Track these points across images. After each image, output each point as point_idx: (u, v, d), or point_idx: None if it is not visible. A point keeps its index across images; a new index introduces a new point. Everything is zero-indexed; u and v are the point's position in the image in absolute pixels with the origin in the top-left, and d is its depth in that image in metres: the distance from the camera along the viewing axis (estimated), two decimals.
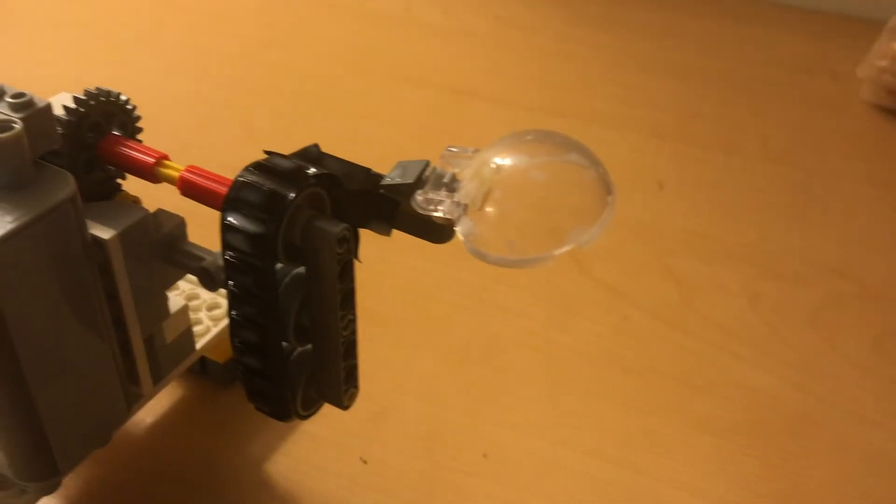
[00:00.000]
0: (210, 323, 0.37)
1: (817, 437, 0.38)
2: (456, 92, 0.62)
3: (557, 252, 0.23)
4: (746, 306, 0.44)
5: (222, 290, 0.37)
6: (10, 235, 0.23)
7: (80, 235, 0.26)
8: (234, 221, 0.25)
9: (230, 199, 0.25)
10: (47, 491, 0.30)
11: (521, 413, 0.38)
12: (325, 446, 0.36)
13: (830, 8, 0.74)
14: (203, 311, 0.37)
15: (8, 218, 0.23)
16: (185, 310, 0.33)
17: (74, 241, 0.26)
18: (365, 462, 0.36)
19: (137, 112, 0.30)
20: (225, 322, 0.37)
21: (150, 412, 0.37)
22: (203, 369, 0.38)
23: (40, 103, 0.25)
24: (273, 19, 0.71)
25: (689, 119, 0.59)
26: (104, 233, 0.27)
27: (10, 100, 0.25)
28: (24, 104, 0.25)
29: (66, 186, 0.25)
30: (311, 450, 0.36)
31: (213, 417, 0.37)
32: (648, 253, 0.47)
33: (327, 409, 0.31)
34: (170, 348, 0.33)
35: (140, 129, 0.30)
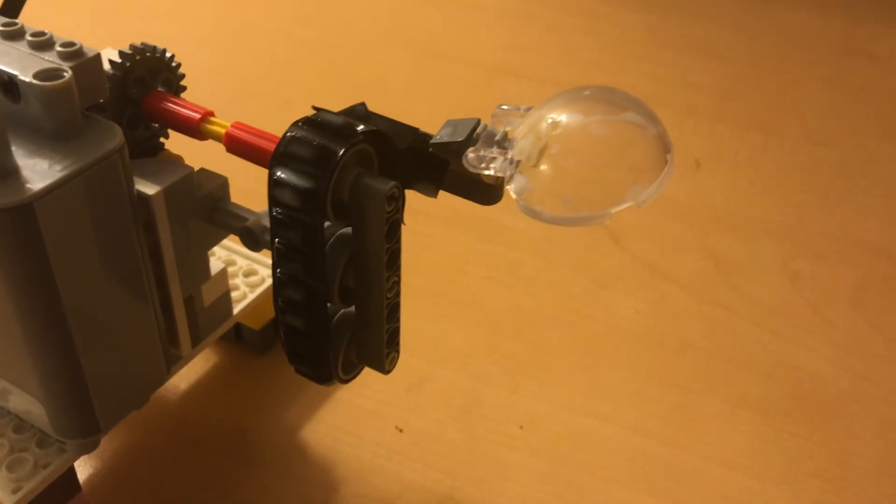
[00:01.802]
0: (247, 289, 0.36)
1: (860, 416, 0.37)
2: (487, 68, 0.61)
3: (614, 210, 0.22)
4: (786, 285, 0.43)
5: (258, 256, 0.37)
6: (59, 184, 0.23)
7: (126, 189, 0.25)
8: (283, 176, 0.25)
9: (279, 154, 0.25)
10: (86, 449, 0.30)
11: (557, 387, 0.37)
12: (361, 414, 0.36)
13: None
14: (240, 276, 0.37)
15: (57, 167, 0.23)
16: (224, 273, 0.33)
17: (121, 195, 0.25)
18: (401, 431, 0.35)
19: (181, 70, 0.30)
20: (261, 288, 0.36)
21: (185, 378, 0.37)
22: (238, 336, 0.38)
23: (90, 53, 0.25)
24: None
25: (724, 99, 0.59)
26: (148, 188, 0.27)
27: (60, 48, 0.25)
28: (73, 53, 0.24)
29: (115, 137, 0.24)
30: (347, 417, 0.36)
31: (248, 384, 0.37)
32: (686, 230, 0.46)
33: (362, 378, 0.30)
34: (208, 311, 0.32)
35: (184, 88, 0.30)
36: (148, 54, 0.28)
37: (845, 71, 0.63)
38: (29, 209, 0.22)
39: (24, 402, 0.28)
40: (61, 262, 0.24)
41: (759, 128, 0.56)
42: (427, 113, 0.56)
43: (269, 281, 0.37)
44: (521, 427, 0.36)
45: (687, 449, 0.35)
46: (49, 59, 0.24)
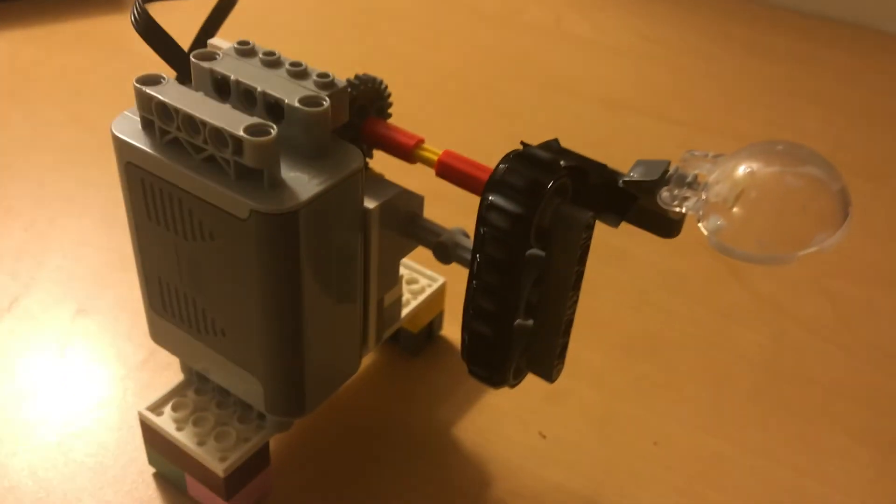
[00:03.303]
0: (409, 296, 0.40)
1: None
2: (605, 103, 0.65)
3: (802, 253, 0.25)
4: None
5: (419, 266, 0.40)
6: (318, 196, 0.27)
7: (360, 202, 0.29)
8: (496, 201, 0.28)
9: (494, 181, 0.29)
10: (281, 429, 0.33)
11: (686, 408, 0.40)
12: (507, 418, 0.39)
13: None
14: (403, 284, 0.40)
15: (315, 181, 0.27)
16: (401, 280, 0.37)
17: (356, 207, 0.29)
18: (544, 437, 0.38)
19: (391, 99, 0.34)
20: (423, 296, 0.40)
21: None
22: (394, 338, 0.42)
23: (340, 83, 0.29)
24: (434, 25, 0.74)
25: (835, 147, 0.61)
26: (369, 203, 0.31)
27: (317, 78, 0.29)
28: (328, 83, 0.28)
29: (358, 158, 0.28)
30: (494, 420, 0.39)
31: (405, 383, 0.40)
32: (804, 271, 0.49)
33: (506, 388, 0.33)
34: (386, 313, 0.36)
35: (390, 115, 0.34)
36: (369, 85, 0.32)
37: None
38: (294, 216, 0.26)
39: (238, 380, 0.32)
40: (308, 263, 0.28)
41: (869, 177, 0.58)
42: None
43: (429, 290, 0.41)
44: (656, 443, 0.38)
45: (809, 475, 0.38)
46: (307, 87, 0.28)
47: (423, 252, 0.35)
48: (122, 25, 0.69)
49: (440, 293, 0.41)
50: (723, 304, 0.46)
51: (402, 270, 0.41)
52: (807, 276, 0.49)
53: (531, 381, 0.33)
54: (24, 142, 0.55)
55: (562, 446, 0.38)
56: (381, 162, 0.34)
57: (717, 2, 0.83)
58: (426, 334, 0.42)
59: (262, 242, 0.27)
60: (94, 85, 0.61)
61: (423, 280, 0.41)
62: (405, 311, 0.39)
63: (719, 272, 0.48)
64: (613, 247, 0.49)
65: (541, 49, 0.72)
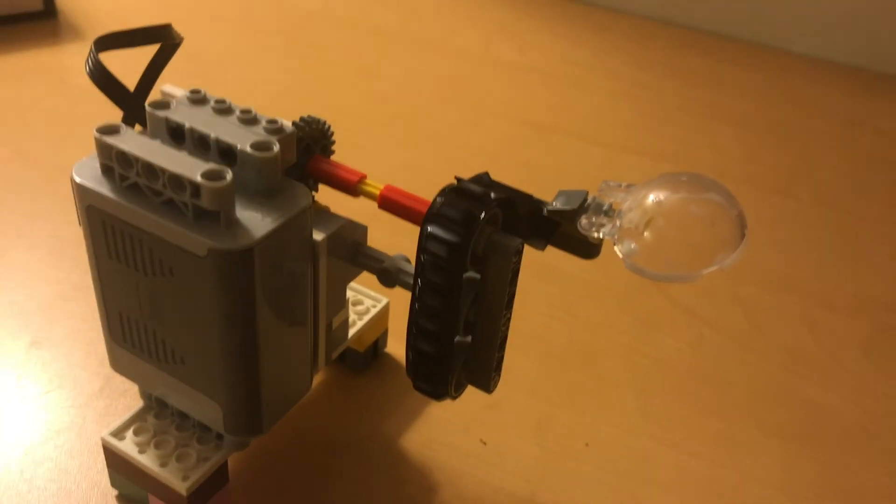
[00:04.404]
0: (355, 317, 0.43)
1: (871, 446, 0.43)
2: (534, 125, 0.68)
3: (705, 272, 0.29)
4: (806, 333, 0.50)
5: (362, 288, 0.43)
6: (271, 232, 0.29)
7: (309, 235, 0.32)
8: (434, 231, 0.31)
9: (432, 214, 0.31)
10: (239, 448, 0.36)
11: (615, 411, 0.44)
12: (450, 428, 0.42)
13: (873, 66, 0.81)
14: (349, 305, 0.43)
15: (268, 219, 0.29)
16: (347, 302, 0.39)
17: (305, 240, 0.32)
18: (484, 443, 0.41)
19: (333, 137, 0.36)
20: (368, 317, 0.43)
21: None
22: (341, 357, 0.44)
23: (288, 128, 0.31)
24: (369, 53, 0.77)
25: (747, 162, 0.66)
26: (317, 235, 0.33)
27: (266, 124, 0.31)
28: (277, 129, 0.31)
29: (307, 196, 0.31)
30: (439, 430, 0.42)
31: (351, 398, 0.43)
32: (718, 280, 0.53)
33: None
34: (335, 334, 0.39)
35: (333, 152, 0.37)
36: (314, 126, 0.35)
37: (853, 141, 0.70)
38: (249, 252, 0.29)
39: (198, 404, 0.34)
40: (263, 294, 0.30)
41: (777, 191, 0.63)
42: (486, 165, 0.62)
43: (373, 311, 0.43)
44: (587, 444, 0.42)
45: (727, 467, 0.41)
46: (257, 133, 0.31)
47: (368, 278, 0.37)
48: (58, 60, 0.70)
49: (384, 313, 0.44)
50: (645, 313, 0.50)
51: (349, 293, 0.44)
52: (722, 285, 0.53)
53: (471, 392, 0.36)
54: None
55: (501, 451, 0.41)
56: (326, 194, 0.36)
57: (636, 27, 0.88)
58: (371, 352, 0.44)
59: (220, 278, 0.29)
60: (36, 119, 0.62)
61: (367, 301, 0.44)
62: (352, 332, 0.42)
63: (642, 283, 0.52)
64: (545, 263, 0.52)
65: (471, 74, 0.75)
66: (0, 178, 0.56)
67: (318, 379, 0.44)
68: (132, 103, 0.34)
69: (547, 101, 0.72)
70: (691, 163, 0.65)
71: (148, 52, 0.35)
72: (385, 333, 0.45)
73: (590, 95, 0.74)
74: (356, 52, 0.77)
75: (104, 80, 0.33)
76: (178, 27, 0.36)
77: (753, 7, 0.84)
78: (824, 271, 0.55)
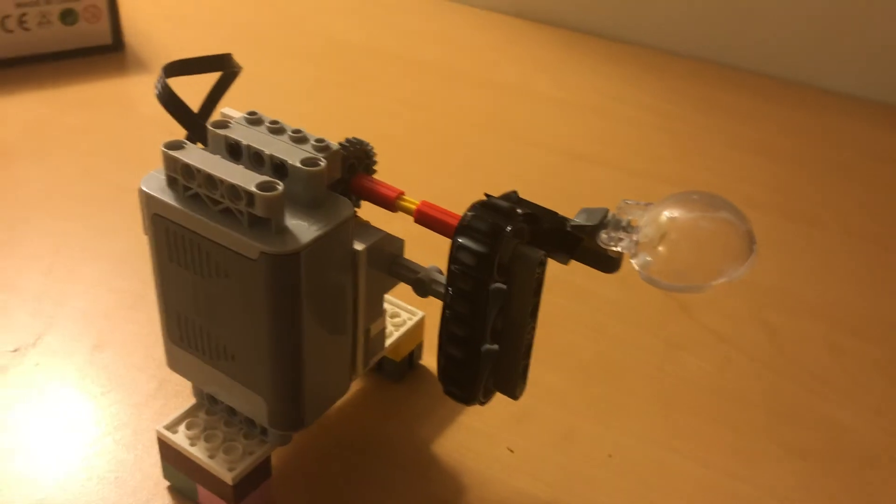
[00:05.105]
0: (392, 328, 0.45)
1: (891, 467, 0.45)
2: (569, 155, 0.71)
3: (715, 283, 0.31)
4: (827, 355, 0.51)
5: (400, 302, 0.46)
6: (316, 239, 0.32)
7: (350, 244, 0.35)
8: (464, 242, 0.34)
9: (463, 227, 0.34)
10: (282, 442, 0.39)
11: (638, 425, 0.46)
12: (479, 436, 0.44)
13: None
14: (387, 317, 0.46)
15: (314, 227, 0.33)
16: (385, 313, 0.42)
17: (347, 249, 0.35)
18: (512, 451, 0.44)
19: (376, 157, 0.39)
20: (404, 329, 0.46)
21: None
22: (379, 367, 0.47)
23: (333, 147, 0.35)
24: (412, 85, 0.81)
25: (775, 193, 0.68)
26: (358, 245, 0.36)
27: (314, 143, 0.34)
28: (324, 147, 0.34)
29: (349, 208, 0.34)
30: (468, 437, 0.44)
31: (387, 405, 0.46)
32: (744, 305, 0.55)
33: (478, 407, 0.38)
34: (373, 342, 0.41)
35: (375, 171, 0.40)
36: (358, 146, 0.38)
37: (883, 176, 0.71)
38: (296, 256, 0.32)
39: (245, 400, 0.37)
40: (308, 296, 0.33)
41: (805, 220, 0.64)
42: (523, 193, 0.65)
43: (409, 323, 0.46)
44: (610, 455, 0.44)
45: (744, 480, 0.43)
46: (307, 150, 0.34)
47: (404, 291, 0.40)
48: (124, 89, 0.75)
49: (420, 326, 0.47)
50: (672, 335, 0.52)
51: (386, 305, 0.47)
52: (747, 309, 0.55)
53: (501, 403, 0.39)
54: (42, 195, 0.60)
55: (527, 459, 0.43)
56: (368, 211, 0.40)
57: (671, 64, 0.90)
58: (407, 363, 0.47)
59: (270, 279, 0.32)
60: (101, 142, 0.67)
61: (404, 314, 0.47)
62: (388, 341, 0.44)
63: (670, 307, 0.54)
64: (576, 285, 0.54)
65: (510, 106, 0.79)
66: (68, 196, 0.60)
67: (356, 386, 0.46)
68: (195, 124, 0.37)
69: (582, 133, 0.75)
70: (722, 192, 0.66)
71: (209, 80, 0.39)
72: (420, 346, 0.48)
73: (624, 128, 0.76)
74: (400, 84, 0.81)
75: (172, 102, 0.37)
76: (238, 58, 0.39)
77: (792, 46, 0.87)
78: (850, 299, 0.56)
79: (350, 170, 0.38)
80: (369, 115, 0.75)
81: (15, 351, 0.47)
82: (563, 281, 0.54)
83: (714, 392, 0.48)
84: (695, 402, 0.47)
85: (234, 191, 0.32)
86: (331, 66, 0.84)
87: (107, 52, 0.79)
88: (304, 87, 0.79)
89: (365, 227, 0.38)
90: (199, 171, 0.32)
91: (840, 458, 0.45)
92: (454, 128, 0.74)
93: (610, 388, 0.48)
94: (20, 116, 0.70)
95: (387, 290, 0.40)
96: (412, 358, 0.47)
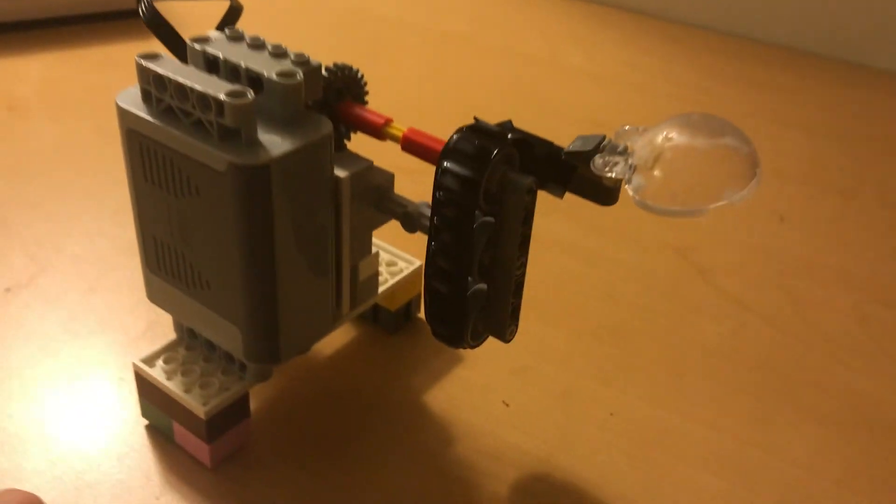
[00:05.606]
0: (388, 276, 0.44)
1: None
2: (593, 124, 0.69)
3: (713, 206, 0.29)
4: (854, 324, 0.48)
5: (398, 251, 0.44)
6: (288, 154, 0.31)
7: (329, 168, 0.33)
8: (449, 166, 0.32)
9: (448, 150, 0.32)
10: (261, 378, 0.37)
11: (645, 386, 0.43)
12: (474, 388, 0.42)
13: None
14: (383, 265, 0.44)
15: (286, 142, 0.31)
16: (376, 255, 0.40)
17: (325, 171, 0.33)
18: (507, 405, 0.41)
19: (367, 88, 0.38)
20: (399, 277, 0.44)
21: (330, 346, 0.44)
22: (374, 317, 0.45)
23: (314, 63, 0.33)
24: (437, 56, 0.79)
25: (811, 166, 0.64)
26: (340, 172, 0.34)
27: (293, 57, 0.33)
28: (303, 62, 0.33)
29: (326, 126, 0.32)
30: (462, 390, 0.42)
31: (381, 356, 0.44)
32: (767, 272, 0.52)
33: (475, 360, 0.36)
34: (362, 285, 0.40)
35: (366, 102, 0.38)
36: (346, 72, 0.36)
37: None
38: (266, 169, 0.30)
39: (221, 331, 0.35)
40: (280, 215, 0.31)
41: (840, 192, 0.61)
42: None
43: (406, 271, 0.44)
44: (612, 414, 0.41)
45: (756, 445, 0.40)
46: (284, 64, 0.33)
47: (402, 239, 0.38)
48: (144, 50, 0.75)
49: (417, 275, 0.45)
50: (688, 300, 0.49)
51: (384, 253, 0.45)
52: (770, 276, 0.52)
53: (498, 357, 0.37)
54: (54, 147, 0.60)
55: (522, 414, 0.41)
56: (358, 145, 0.38)
57: (702, 38, 0.87)
58: (404, 314, 0.45)
59: (238, 193, 0.30)
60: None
61: (401, 263, 0.45)
62: (383, 288, 0.43)
63: (687, 271, 0.52)
64: (590, 248, 0.52)
65: (536, 77, 0.76)
66: (82, 148, 0.60)
67: (349, 335, 0.45)
68: (182, 46, 0.36)
69: (607, 103, 0.72)
70: None
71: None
72: (418, 297, 0.46)
73: (653, 99, 0.74)
74: (425, 55, 0.79)
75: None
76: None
77: (828, 22, 0.83)
78: (881, 269, 0.53)
79: (338, 95, 0.36)
80: (392, 84, 0.73)
81: (7, 290, 0.46)
82: (576, 245, 0.52)
83: (728, 356, 0.45)
84: (707, 365, 0.45)
85: (205, 100, 0.30)
86: (355, 37, 0.83)
87: (130, 17, 0.79)
88: (327, 58, 0.78)
89: (352, 157, 0.36)
90: (170, 81, 0.31)
91: (860, 426, 0.42)
92: (477, 97, 0.72)
93: (616, 349, 0.45)
94: (41, 74, 0.70)
95: (375, 226, 0.38)
96: (409, 309, 0.46)
